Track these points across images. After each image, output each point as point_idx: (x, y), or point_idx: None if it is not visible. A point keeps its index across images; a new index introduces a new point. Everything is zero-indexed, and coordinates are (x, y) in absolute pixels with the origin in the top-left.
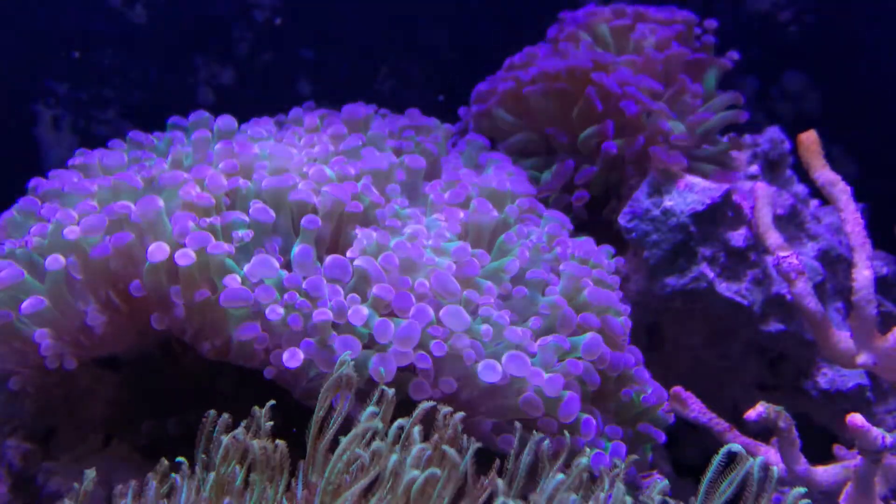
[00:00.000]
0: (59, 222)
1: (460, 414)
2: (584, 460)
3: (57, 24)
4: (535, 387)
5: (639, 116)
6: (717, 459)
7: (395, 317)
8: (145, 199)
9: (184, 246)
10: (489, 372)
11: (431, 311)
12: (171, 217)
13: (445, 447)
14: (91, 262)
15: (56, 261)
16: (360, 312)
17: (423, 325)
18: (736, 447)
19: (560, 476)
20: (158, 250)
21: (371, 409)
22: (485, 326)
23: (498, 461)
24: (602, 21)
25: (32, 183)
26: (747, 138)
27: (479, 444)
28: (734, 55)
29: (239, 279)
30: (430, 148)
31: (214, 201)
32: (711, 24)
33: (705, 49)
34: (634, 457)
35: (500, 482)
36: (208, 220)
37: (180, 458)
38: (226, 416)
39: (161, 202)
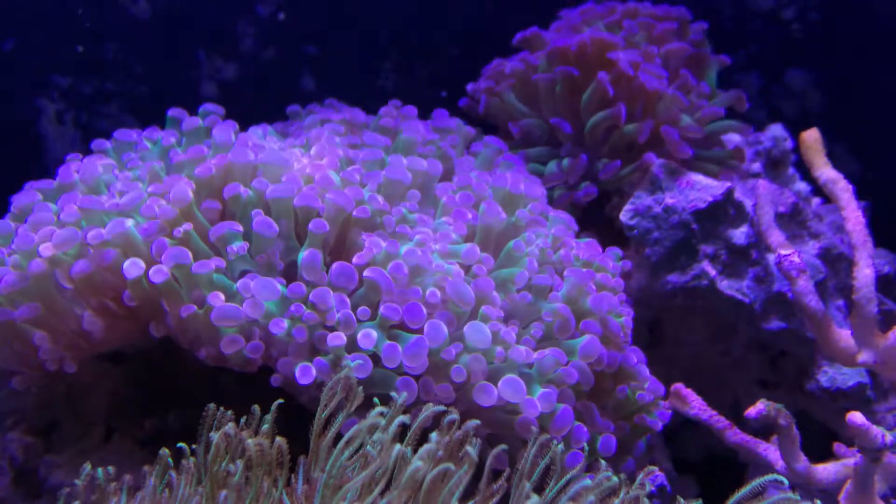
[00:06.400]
0: (22, 247)
1: (475, 421)
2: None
3: (61, 17)
4: (530, 414)
5: (655, 96)
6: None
7: (404, 326)
8: (114, 223)
9: (159, 262)
10: (484, 396)
11: (445, 328)
12: (141, 231)
13: (468, 448)
14: (74, 276)
15: (38, 265)
16: (370, 336)
17: (436, 343)
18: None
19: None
20: (133, 266)
21: (380, 408)
22: (499, 348)
23: (507, 468)
24: (597, 18)
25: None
26: (750, 136)
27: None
28: (726, 59)
29: (226, 296)
30: (450, 153)
31: (178, 213)
32: (702, 25)
33: (701, 44)
34: (653, 468)
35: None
36: (180, 228)
37: (181, 445)
38: (224, 411)
39: (129, 223)
